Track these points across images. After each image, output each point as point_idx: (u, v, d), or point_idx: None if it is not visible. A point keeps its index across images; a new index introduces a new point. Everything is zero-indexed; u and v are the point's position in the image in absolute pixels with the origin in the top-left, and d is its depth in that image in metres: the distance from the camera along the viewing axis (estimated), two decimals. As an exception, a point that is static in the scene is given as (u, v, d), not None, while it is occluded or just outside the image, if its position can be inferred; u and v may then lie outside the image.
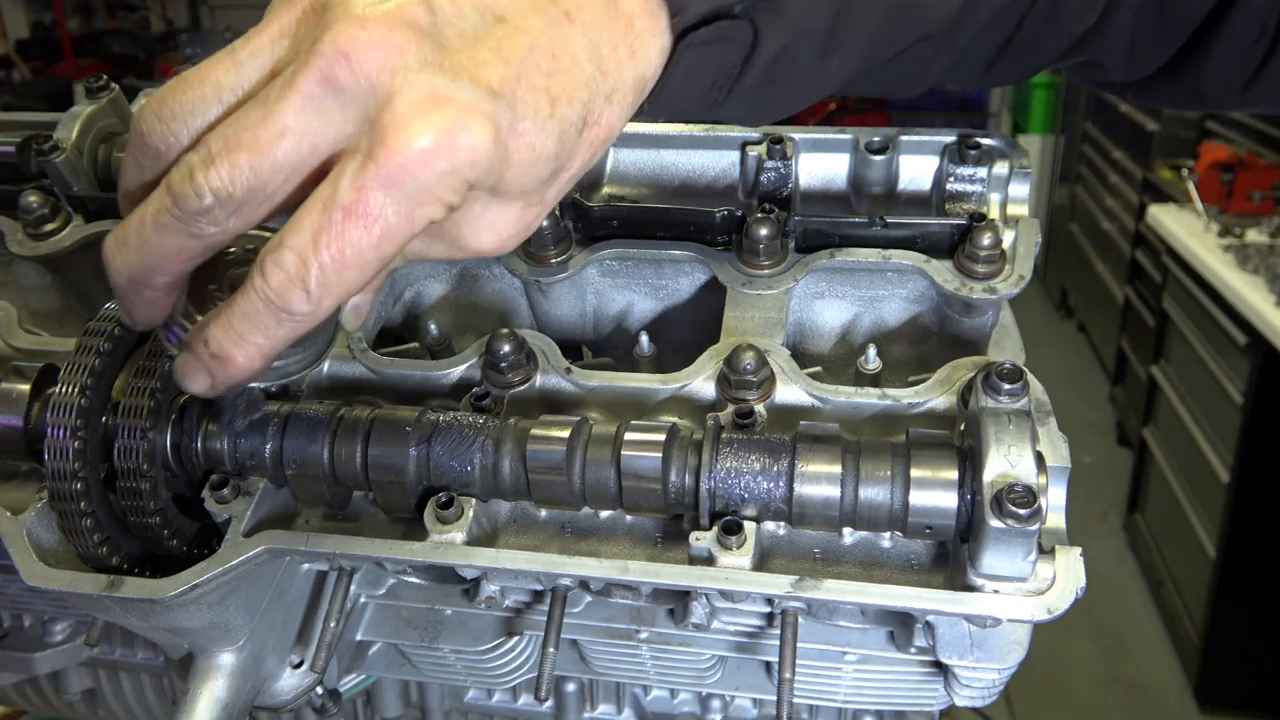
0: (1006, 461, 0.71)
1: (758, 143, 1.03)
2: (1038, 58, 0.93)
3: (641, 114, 0.71)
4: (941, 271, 0.91)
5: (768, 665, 1.01)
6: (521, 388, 0.89)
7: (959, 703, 0.90)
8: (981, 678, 0.85)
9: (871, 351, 0.91)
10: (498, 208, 0.66)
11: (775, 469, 0.76)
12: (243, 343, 0.62)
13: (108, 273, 0.65)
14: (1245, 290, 3.63)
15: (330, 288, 0.59)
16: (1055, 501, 0.77)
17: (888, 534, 0.81)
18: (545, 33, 0.62)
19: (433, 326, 1.01)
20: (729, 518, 0.77)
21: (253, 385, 0.85)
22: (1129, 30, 0.90)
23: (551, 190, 0.68)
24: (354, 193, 0.58)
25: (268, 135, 0.58)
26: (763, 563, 0.79)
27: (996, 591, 0.72)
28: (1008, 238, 0.92)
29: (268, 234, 0.62)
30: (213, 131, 0.60)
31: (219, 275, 0.71)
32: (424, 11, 0.59)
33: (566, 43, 0.62)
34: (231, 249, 0.70)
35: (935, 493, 0.74)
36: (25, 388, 0.87)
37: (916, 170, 1.03)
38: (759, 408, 0.84)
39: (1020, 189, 0.98)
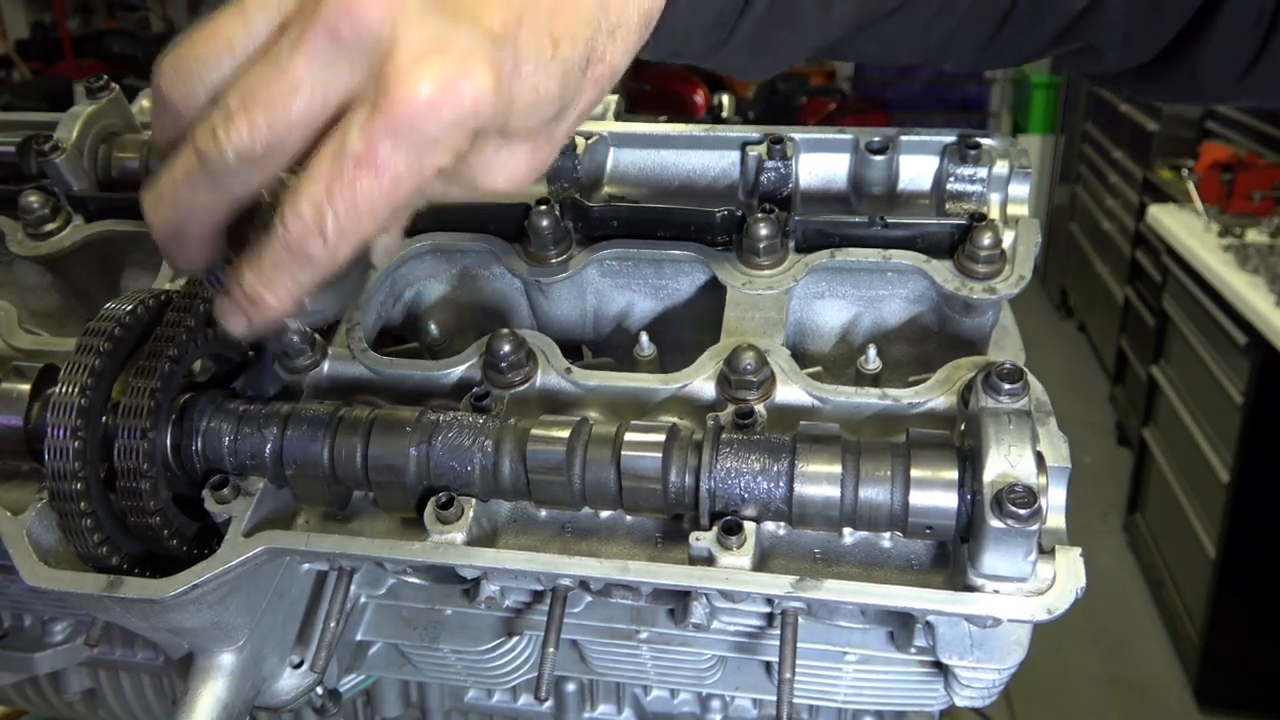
0: (1006, 461, 0.71)
1: (758, 143, 1.03)
2: (1036, 36, 0.93)
3: (645, 50, 0.71)
4: (941, 271, 0.91)
5: (768, 665, 1.01)
6: (521, 388, 0.89)
7: (959, 703, 0.90)
8: (981, 678, 0.85)
9: (871, 351, 0.91)
10: (508, 149, 0.66)
11: (775, 469, 0.76)
12: (273, 286, 0.64)
13: (149, 228, 0.68)
14: (1245, 290, 3.63)
15: (346, 234, 0.61)
16: (1055, 501, 0.77)
17: (888, 534, 0.81)
18: None
19: (433, 326, 1.01)
20: (729, 518, 0.77)
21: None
22: (1126, 10, 0.90)
23: (561, 129, 0.68)
24: (362, 143, 0.59)
25: (281, 92, 0.60)
26: (763, 563, 0.79)
27: (996, 592, 0.72)
28: (1008, 238, 0.92)
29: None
30: (230, 90, 0.61)
31: (256, 217, 0.72)
32: None
33: None
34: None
35: (935, 493, 0.74)
36: (25, 388, 0.87)
37: (916, 170, 1.03)
38: (759, 408, 0.84)
39: (1020, 189, 0.98)
